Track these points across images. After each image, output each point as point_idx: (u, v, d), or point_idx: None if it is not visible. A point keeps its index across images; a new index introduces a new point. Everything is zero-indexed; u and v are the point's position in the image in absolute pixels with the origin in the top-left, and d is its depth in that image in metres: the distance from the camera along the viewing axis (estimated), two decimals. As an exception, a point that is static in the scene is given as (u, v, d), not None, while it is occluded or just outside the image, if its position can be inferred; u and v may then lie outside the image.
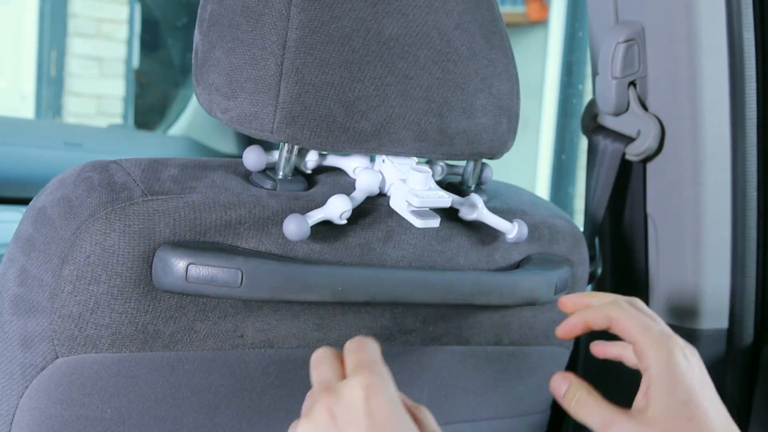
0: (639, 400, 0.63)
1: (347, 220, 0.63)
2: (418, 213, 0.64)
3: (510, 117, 0.70)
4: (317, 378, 0.57)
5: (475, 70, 0.67)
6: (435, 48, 0.65)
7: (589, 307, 0.67)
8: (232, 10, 0.62)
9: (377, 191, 0.67)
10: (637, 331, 0.64)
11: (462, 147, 0.67)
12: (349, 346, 0.58)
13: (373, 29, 0.63)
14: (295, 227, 0.60)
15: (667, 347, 0.62)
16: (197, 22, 0.66)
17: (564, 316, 0.80)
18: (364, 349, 0.58)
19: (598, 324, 0.66)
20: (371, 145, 0.64)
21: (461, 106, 0.66)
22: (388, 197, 0.67)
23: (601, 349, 0.71)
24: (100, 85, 3.72)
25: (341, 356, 0.58)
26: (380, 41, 0.63)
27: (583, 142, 0.81)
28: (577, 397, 0.64)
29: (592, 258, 0.90)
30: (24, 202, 0.79)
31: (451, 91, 0.66)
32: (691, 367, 0.62)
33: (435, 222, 0.64)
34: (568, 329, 0.68)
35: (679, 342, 0.63)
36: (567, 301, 0.69)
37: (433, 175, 0.72)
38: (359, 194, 0.65)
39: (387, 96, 0.63)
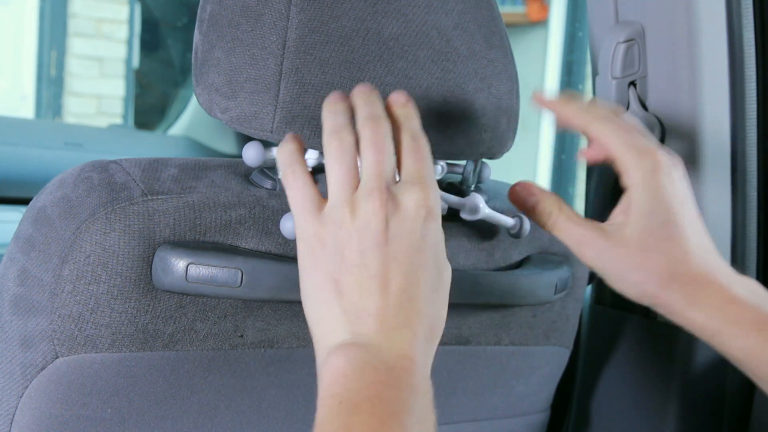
0: (617, 215, 0.62)
1: None
2: None
3: (510, 117, 0.70)
4: (373, 168, 0.53)
5: (475, 70, 0.67)
6: (434, 48, 0.65)
7: (570, 108, 0.65)
8: (231, 10, 0.62)
9: None
10: (619, 148, 0.61)
11: (462, 147, 0.67)
12: (409, 147, 0.55)
13: (372, 29, 0.63)
14: (291, 226, 0.60)
15: (650, 165, 0.60)
16: (197, 22, 0.66)
17: (564, 315, 0.80)
18: (424, 157, 0.55)
19: (576, 129, 0.64)
20: (371, 145, 0.64)
21: (461, 105, 0.66)
22: None
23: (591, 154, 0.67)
24: (100, 85, 3.72)
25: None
26: (380, 41, 0.63)
27: (583, 142, 0.82)
28: (551, 214, 0.62)
29: (592, 258, 0.90)
30: (24, 202, 0.79)
31: (450, 90, 0.66)
32: (673, 185, 0.61)
33: None
34: (546, 102, 0.66)
35: (662, 159, 0.61)
36: (543, 99, 0.66)
37: (433, 175, 0.72)
38: None
39: (386, 96, 0.63)
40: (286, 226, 0.61)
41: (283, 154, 0.56)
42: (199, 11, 0.66)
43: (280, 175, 0.56)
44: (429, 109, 0.65)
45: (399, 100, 0.58)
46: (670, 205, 0.60)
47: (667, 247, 0.59)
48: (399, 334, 0.51)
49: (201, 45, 0.65)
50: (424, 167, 0.55)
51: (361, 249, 0.52)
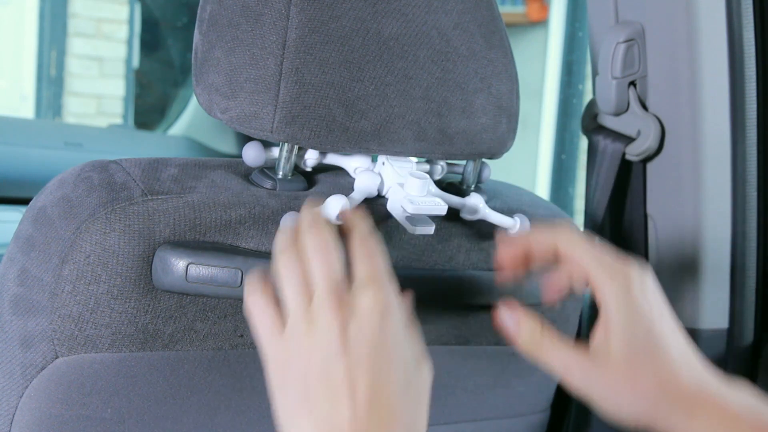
0: (599, 335, 0.60)
1: None
2: (414, 219, 0.64)
3: (509, 117, 0.70)
4: (322, 275, 0.53)
5: (475, 70, 0.67)
6: (434, 48, 0.65)
7: (539, 233, 0.63)
8: (231, 10, 0.62)
9: (375, 193, 0.67)
10: (591, 265, 0.61)
11: (462, 147, 0.67)
12: (359, 251, 0.55)
13: (372, 29, 0.63)
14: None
15: (623, 281, 0.60)
16: (197, 22, 0.66)
17: (564, 315, 0.80)
18: (373, 257, 0.55)
19: (543, 252, 0.63)
20: (371, 145, 0.64)
21: (461, 105, 0.66)
22: (387, 199, 0.67)
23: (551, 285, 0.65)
24: (100, 85, 3.72)
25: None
26: (380, 41, 0.63)
27: (583, 142, 0.82)
28: (534, 339, 0.61)
29: (592, 258, 0.90)
30: (24, 202, 0.79)
31: (450, 90, 0.66)
32: (647, 299, 0.60)
33: (430, 229, 0.64)
34: (507, 257, 0.64)
35: (633, 274, 0.61)
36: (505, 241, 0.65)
37: (432, 175, 0.72)
38: (357, 195, 0.65)
39: (387, 95, 0.63)
40: (286, 225, 0.61)
41: (248, 286, 0.56)
42: (199, 11, 0.66)
43: (247, 303, 0.56)
44: (429, 109, 0.65)
45: (347, 213, 0.60)
46: (650, 321, 0.59)
47: (655, 365, 0.59)
48: None
49: (201, 45, 0.65)
50: (374, 265, 0.54)
51: (323, 360, 0.51)
